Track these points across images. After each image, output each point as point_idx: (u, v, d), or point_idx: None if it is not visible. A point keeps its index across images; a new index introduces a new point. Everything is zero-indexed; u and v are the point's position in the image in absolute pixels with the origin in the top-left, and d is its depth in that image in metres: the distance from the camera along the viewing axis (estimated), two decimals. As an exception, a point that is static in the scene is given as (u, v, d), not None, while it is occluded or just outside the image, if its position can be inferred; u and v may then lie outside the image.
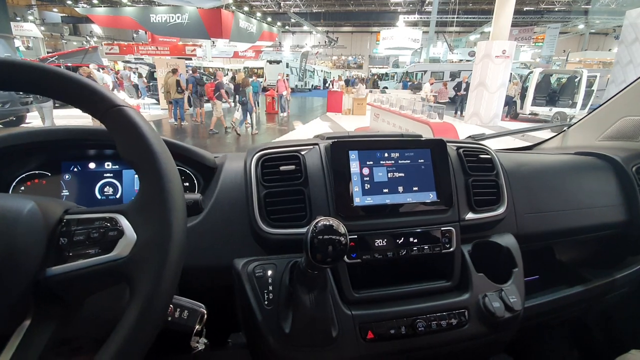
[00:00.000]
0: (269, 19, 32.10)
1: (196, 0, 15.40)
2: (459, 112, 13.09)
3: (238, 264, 0.72)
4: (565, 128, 1.51)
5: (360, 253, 0.76)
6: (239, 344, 0.89)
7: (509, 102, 11.95)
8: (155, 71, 13.17)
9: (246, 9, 29.03)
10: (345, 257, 0.74)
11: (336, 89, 14.14)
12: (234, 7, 22.98)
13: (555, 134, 1.54)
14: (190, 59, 23.14)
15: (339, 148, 0.79)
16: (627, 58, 9.60)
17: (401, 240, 0.78)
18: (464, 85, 12.78)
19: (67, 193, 0.80)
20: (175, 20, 16.65)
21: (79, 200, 0.80)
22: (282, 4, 29.50)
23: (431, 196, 0.82)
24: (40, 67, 0.42)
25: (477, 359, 0.89)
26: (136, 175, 0.83)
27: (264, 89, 15.02)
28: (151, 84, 14.28)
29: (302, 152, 0.81)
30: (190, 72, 10.06)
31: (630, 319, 1.28)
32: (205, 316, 0.58)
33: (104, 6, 22.55)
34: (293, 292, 0.66)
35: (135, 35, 30.72)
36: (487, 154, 0.94)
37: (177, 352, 0.66)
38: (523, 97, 12.06)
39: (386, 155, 0.81)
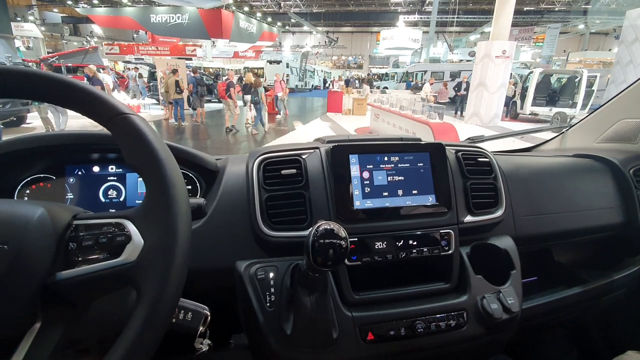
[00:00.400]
0: (269, 19, 32.09)
1: (196, 1, 15.39)
2: (459, 112, 13.09)
3: (240, 266, 0.73)
4: (564, 130, 1.52)
5: (361, 255, 0.77)
6: (240, 345, 0.91)
7: (507, 102, 11.95)
8: (155, 71, 13.19)
9: (246, 9, 29.03)
10: (346, 259, 0.75)
11: (336, 89, 14.15)
12: (234, 7, 22.96)
13: (554, 135, 1.55)
14: (191, 59, 23.16)
15: (340, 152, 0.80)
16: (627, 58, 9.60)
17: (401, 243, 0.79)
18: (464, 86, 12.79)
19: (72, 196, 0.81)
20: (175, 21, 16.64)
21: (83, 203, 0.82)
22: (282, 4, 29.49)
23: (430, 199, 0.83)
24: (47, 75, 0.43)
25: (476, 359, 0.90)
26: (140, 179, 0.84)
27: (265, 89, 15.05)
28: (151, 84, 14.31)
29: (303, 156, 0.82)
30: (191, 72, 10.07)
31: (627, 320, 1.29)
32: (209, 318, 0.59)
33: (104, 6, 22.54)
34: (294, 294, 0.67)
35: (135, 35, 30.70)
36: (486, 157, 0.95)
37: (181, 353, 0.67)
38: (523, 97, 12.06)
39: (386, 159, 0.82)
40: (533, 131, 1.90)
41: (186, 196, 0.45)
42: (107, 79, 11.48)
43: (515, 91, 12.60)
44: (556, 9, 27.28)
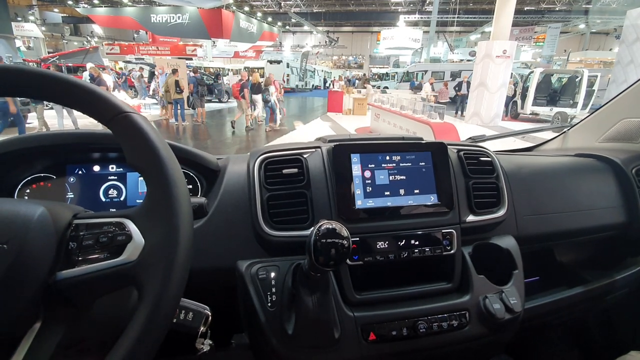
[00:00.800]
0: (270, 19, 32.09)
1: (197, 0, 15.41)
2: (459, 112, 13.08)
3: (241, 265, 0.73)
4: (565, 129, 1.51)
5: (362, 255, 0.76)
6: (242, 345, 0.90)
7: (508, 102, 11.94)
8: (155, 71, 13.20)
9: (247, 9, 29.02)
10: (348, 259, 0.74)
11: (337, 89, 14.15)
12: (234, 7, 22.97)
13: (556, 135, 1.54)
14: (191, 59, 23.16)
15: (341, 151, 0.80)
16: (628, 58, 9.60)
17: (402, 243, 0.79)
18: (464, 85, 12.78)
19: (72, 196, 0.81)
20: (175, 21, 16.67)
21: (84, 202, 0.81)
22: (282, 4, 29.49)
23: (432, 199, 0.83)
24: (49, 74, 0.43)
25: (478, 359, 0.90)
26: (140, 178, 0.84)
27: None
28: (151, 84, 14.31)
29: (305, 155, 0.82)
30: (191, 72, 10.08)
31: (630, 320, 1.28)
32: (210, 318, 0.59)
33: (104, 6, 22.56)
34: (296, 294, 0.67)
35: (135, 35, 30.75)
36: (488, 157, 0.95)
37: (182, 354, 0.67)
38: (524, 97, 12.05)
39: (387, 158, 0.82)
40: (534, 131, 1.89)
41: (187, 195, 0.45)
42: (108, 79, 11.49)
43: (515, 91, 12.58)
44: (557, 9, 27.24)
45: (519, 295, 0.81)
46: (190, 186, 0.86)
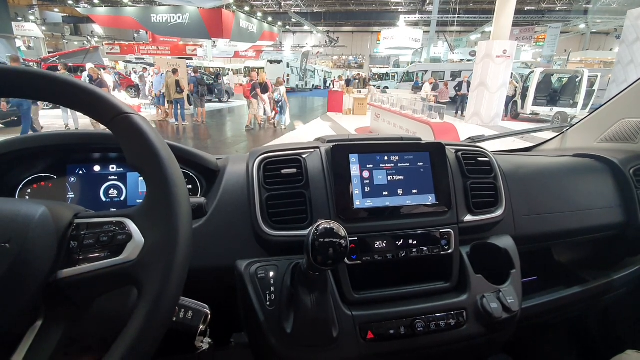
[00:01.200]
0: (270, 19, 32.10)
1: (197, 0, 15.41)
2: (459, 112, 13.08)
3: (240, 265, 0.74)
4: (564, 129, 1.52)
5: (361, 254, 0.77)
6: (241, 344, 0.91)
7: (507, 101, 11.94)
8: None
9: (247, 8, 29.02)
10: (346, 258, 0.75)
11: (337, 88, 14.14)
12: (234, 7, 22.98)
13: (555, 135, 1.55)
14: (191, 59, 23.17)
15: (340, 151, 0.80)
16: (628, 58, 9.58)
17: (401, 242, 0.79)
18: (464, 85, 12.78)
19: (73, 195, 0.81)
20: (176, 20, 16.68)
21: (84, 202, 0.82)
22: (282, 4, 29.48)
23: (430, 199, 0.83)
24: (50, 75, 0.43)
25: (476, 358, 0.90)
26: (140, 178, 0.85)
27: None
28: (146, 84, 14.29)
29: (304, 156, 0.82)
30: (192, 72, 10.09)
31: (627, 319, 1.29)
32: (209, 316, 0.59)
33: (105, 6, 22.57)
34: (294, 293, 0.67)
35: (136, 35, 30.76)
36: (486, 157, 0.95)
37: (182, 352, 0.67)
38: (524, 96, 12.05)
39: (386, 158, 0.82)
40: (533, 131, 1.90)
41: (187, 195, 0.45)
42: (108, 78, 11.49)
43: (515, 90, 12.58)
44: (557, 9, 27.24)
45: (516, 295, 0.81)
46: (190, 186, 0.86)
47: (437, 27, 26.13)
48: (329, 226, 0.54)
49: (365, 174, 0.81)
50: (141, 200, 0.84)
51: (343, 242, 0.53)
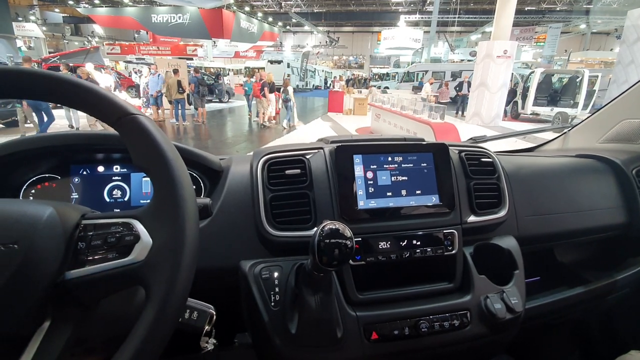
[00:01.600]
0: (270, 19, 32.09)
1: (197, 0, 15.42)
2: (460, 112, 13.07)
3: (245, 265, 0.74)
4: (566, 130, 1.52)
5: (365, 255, 0.77)
6: (245, 344, 0.91)
7: (508, 102, 11.94)
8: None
9: (247, 9, 29.02)
10: (350, 259, 0.75)
11: (337, 89, 14.14)
12: (235, 7, 22.97)
13: (557, 135, 1.55)
14: (192, 59, 23.18)
15: (343, 152, 0.80)
16: (628, 58, 9.58)
17: (404, 243, 0.79)
18: (465, 85, 12.77)
19: (76, 196, 0.81)
20: (176, 21, 16.68)
21: (88, 203, 0.82)
22: (283, 4, 29.49)
23: (434, 199, 0.83)
24: (56, 76, 0.44)
25: (479, 359, 0.90)
26: (144, 179, 0.85)
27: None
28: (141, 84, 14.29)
29: (307, 156, 0.82)
30: (192, 72, 10.11)
31: (630, 319, 1.29)
32: (215, 317, 0.60)
33: (105, 6, 22.58)
34: (299, 294, 0.67)
35: (136, 35, 30.77)
36: (489, 158, 0.95)
37: (187, 352, 0.67)
38: (524, 97, 12.04)
39: (390, 159, 0.82)
40: (535, 131, 1.90)
41: (194, 196, 0.45)
42: (108, 78, 11.49)
43: (516, 91, 12.57)
44: (557, 9, 27.22)
45: (519, 295, 0.81)
46: (194, 187, 0.86)
47: (437, 27, 26.09)
48: (334, 227, 0.54)
49: (369, 174, 0.81)
50: (145, 201, 0.84)
51: (348, 242, 0.53)
